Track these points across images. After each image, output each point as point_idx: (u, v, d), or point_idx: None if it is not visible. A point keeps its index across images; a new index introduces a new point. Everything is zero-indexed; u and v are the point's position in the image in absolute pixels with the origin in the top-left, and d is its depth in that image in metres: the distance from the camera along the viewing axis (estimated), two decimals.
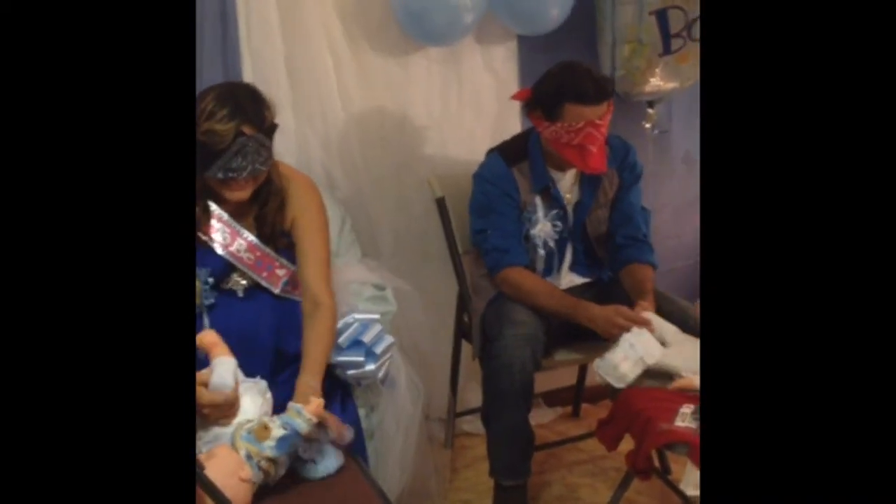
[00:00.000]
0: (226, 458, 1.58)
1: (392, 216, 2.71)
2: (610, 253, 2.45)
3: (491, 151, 2.42)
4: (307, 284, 1.93)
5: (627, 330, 2.07)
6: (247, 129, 1.81)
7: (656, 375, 2.04)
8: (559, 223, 2.36)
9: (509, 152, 2.37)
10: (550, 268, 2.41)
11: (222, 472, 1.53)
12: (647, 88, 2.69)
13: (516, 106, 2.78)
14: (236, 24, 2.41)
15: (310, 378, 1.77)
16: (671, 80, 2.67)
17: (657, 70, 2.66)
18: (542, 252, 2.37)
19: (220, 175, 1.82)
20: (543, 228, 2.35)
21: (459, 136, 2.76)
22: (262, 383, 1.75)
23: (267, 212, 1.96)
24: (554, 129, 2.20)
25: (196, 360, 1.54)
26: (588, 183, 2.37)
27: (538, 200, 2.34)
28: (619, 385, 2.02)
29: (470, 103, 2.76)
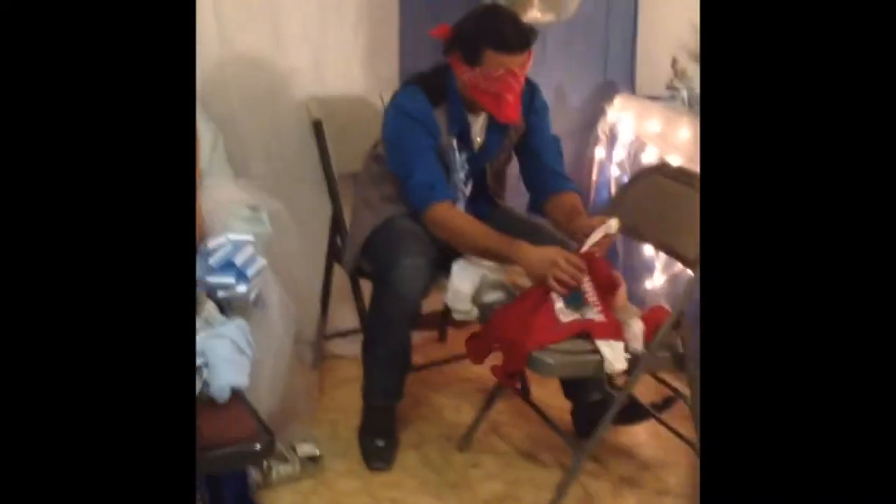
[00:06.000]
0: None
1: (265, 137, 2.65)
2: (529, 190, 2.43)
3: (409, 84, 2.30)
4: None
5: (567, 280, 2.02)
6: None
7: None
8: (467, 165, 2.33)
9: (431, 90, 2.24)
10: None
11: None
12: (525, 19, 2.71)
13: (394, 30, 2.76)
14: None
15: None
16: (549, 12, 2.70)
17: (535, 1, 2.69)
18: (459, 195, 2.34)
19: None
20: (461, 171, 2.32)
21: (336, 59, 2.71)
22: None
23: None
24: (473, 75, 2.14)
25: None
26: (496, 128, 2.33)
27: (455, 143, 2.29)
28: (469, 308, 2.09)
29: (348, 24, 2.71)
